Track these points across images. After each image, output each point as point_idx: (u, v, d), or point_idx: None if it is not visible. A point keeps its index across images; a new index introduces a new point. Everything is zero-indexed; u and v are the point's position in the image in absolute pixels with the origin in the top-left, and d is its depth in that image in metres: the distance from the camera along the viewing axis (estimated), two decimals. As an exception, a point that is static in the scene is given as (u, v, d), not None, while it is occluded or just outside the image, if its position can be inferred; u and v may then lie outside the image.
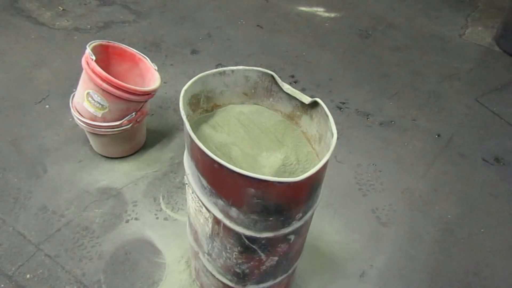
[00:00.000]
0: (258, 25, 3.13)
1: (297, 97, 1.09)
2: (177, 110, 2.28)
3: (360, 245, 1.72)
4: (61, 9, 3.07)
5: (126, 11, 3.13)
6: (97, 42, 1.72)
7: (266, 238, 1.01)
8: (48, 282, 1.50)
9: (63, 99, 2.18)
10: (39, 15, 2.98)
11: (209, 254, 1.19)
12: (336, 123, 0.95)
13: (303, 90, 2.49)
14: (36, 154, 1.95)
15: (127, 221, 1.72)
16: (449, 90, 2.66)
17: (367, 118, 2.37)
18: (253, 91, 1.16)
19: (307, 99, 1.07)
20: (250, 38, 2.97)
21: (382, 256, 1.69)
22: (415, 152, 2.18)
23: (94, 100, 1.67)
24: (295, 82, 2.60)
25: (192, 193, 1.07)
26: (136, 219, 1.73)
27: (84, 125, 1.76)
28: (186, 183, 1.11)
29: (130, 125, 1.79)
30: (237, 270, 1.15)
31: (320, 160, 0.92)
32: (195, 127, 1.08)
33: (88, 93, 1.67)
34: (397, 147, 2.20)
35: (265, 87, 1.15)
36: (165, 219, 1.74)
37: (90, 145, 1.98)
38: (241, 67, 1.12)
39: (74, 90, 1.84)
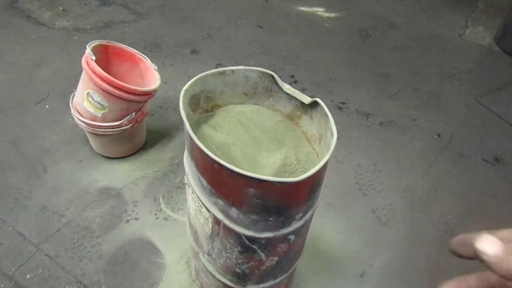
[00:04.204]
0: (258, 25, 3.13)
1: (297, 97, 1.09)
2: (177, 110, 2.28)
3: (360, 245, 1.72)
4: (61, 9, 3.07)
5: (126, 11, 3.13)
6: (97, 42, 1.71)
7: (266, 238, 1.01)
8: (48, 282, 1.50)
9: (63, 99, 2.18)
10: (39, 15, 2.98)
11: (209, 254, 1.19)
12: (336, 123, 0.95)
13: (303, 90, 2.49)
14: (36, 154, 1.95)
15: (127, 221, 1.72)
16: (449, 90, 2.66)
17: (367, 118, 2.37)
18: (253, 91, 1.16)
19: (307, 99, 1.07)
20: (250, 38, 2.97)
21: (382, 256, 1.69)
22: (415, 152, 2.18)
23: (94, 100, 1.67)
24: (295, 82, 2.60)
25: (192, 193, 1.07)
26: (136, 219, 1.73)
27: (84, 125, 1.76)
28: (186, 183, 1.11)
29: (130, 125, 1.79)
30: (237, 270, 1.15)
31: (320, 160, 0.92)
32: (195, 127, 1.08)
33: (88, 93, 1.67)
34: (397, 147, 2.20)
35: (265, 87, 1.15)
36: (165, 219, 1.74)
37: (90, 145, 1.98)
38: (241, 67, 1.12)
39: (74, 90, 1.84)
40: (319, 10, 3.43)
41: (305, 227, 1.11)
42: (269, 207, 0.92)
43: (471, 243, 0.37)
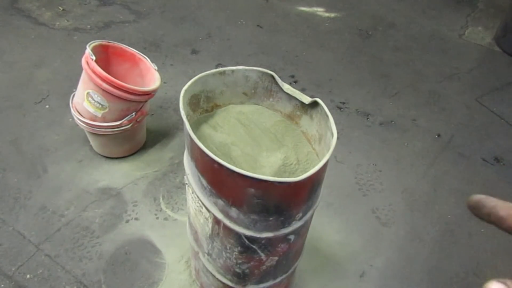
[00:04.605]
0: (258, 25, 3.13)
1: (297, 97, 1.09)
2: (177, 110, 2.28)
3: (360, 245, 1.72)
4: (61, 9, 3.07)
5: (126, 11, 3.13)
6: (97, 42, 1.71)
7: (266, 238, 1.01)
8: (48, 282, 1.50)
9: (63, 99, 2.18)
10: (39, 15, 2.98)
11: (209, 254, 1.19)
12: (336, 123, 0.95)
13: (303, 90, 2.49)
14: (36, 154, 1.95)
15: (127, 221, 1.72)
16: (449, 90, 2.66)
17: (367, 118, 2.37)
18: (253, 91, 1.16)
19: (307, 99, 1.07)
20: (250, 38, 2.97)
21: (382, 256, 1.69)
22: (415, 152, 2.18)
23: (94, 100, 1.67)
24: (295, 82, 2.60)
25: (192, 193, 1.07)
26: (136, 219, 1.73)
27: (84, 125, 1.76)
28: (186, 183, 1.11)
29: (130, 125, 1.79)
30: (237, 270, 1.15)
31: (320, 160, 0.92)
32: (195, 127, 1.08)
33: (88, 93, 1.67)
34: (397, 147, 2.20)
35: (265, 87, 1.15)
36: (165, 219, 1.74)
37: (90, 145, 1.98)
38: (241, 67, 1.12)
39: (74, 90, 1.84)
40: (319, 10, 3.43)
41: (305, 227, 1.11)
42: (269, 207, 0.92)
43: (485, 207, 0.42)
